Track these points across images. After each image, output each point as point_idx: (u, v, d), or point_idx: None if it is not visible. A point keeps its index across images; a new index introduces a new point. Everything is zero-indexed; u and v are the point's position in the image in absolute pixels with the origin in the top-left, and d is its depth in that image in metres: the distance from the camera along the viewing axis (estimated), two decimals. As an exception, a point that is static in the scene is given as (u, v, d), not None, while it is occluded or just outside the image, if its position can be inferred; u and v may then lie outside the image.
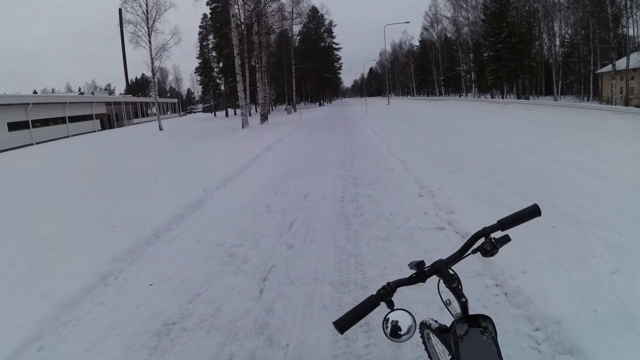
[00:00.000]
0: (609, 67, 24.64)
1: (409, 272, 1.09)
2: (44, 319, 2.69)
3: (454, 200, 4.63)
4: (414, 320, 0.95)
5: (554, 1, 33.07)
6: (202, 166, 8.54)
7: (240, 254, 3.67)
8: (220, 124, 25.69)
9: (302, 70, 41.54)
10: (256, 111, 35.64)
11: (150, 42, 24.51)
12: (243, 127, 18.74)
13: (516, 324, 2.31)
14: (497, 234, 1.11)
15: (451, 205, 4.44)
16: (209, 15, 41.37)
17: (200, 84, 51.85)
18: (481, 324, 0.99)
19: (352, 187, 5.98)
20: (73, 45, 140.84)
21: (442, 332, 1.18)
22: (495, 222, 1.11)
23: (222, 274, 3.28)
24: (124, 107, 42.61)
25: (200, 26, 44.09)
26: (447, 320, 1.15)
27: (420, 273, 1.06)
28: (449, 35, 47.43)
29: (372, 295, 1.01)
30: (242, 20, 24.73)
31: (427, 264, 1.08)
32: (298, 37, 45.70)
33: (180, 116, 58.79)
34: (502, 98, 35.24)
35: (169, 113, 56.76)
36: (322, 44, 53.55)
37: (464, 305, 1.02)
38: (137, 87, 74.68)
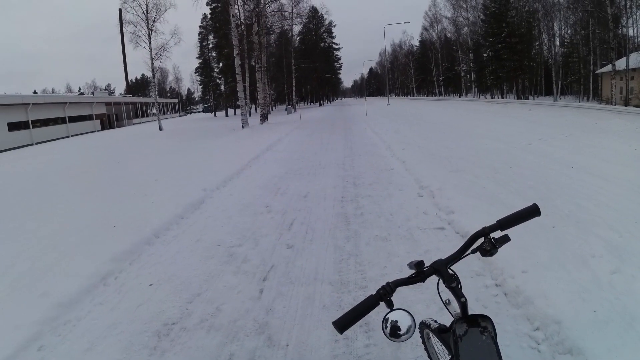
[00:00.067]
0: (608, 67, 24.63)
1: (409, 272, 1.09)
2: (44, 319, 2.69)
3: (454, 200, 4.63)
4: (414, 320, 0.95)
5: (553, 1, 33.09)
6: (202, 166, 8.55)
7: (240, 254, 3.67)
8: (220, 124, 25.69)
9: (302, 70, 41.54)
10: (256, 111, 35.64)
11: (150, 42, 24.51)
12: (243, 127, 18.74)
13: (516, 323, 2.31)
14: (497, 234, 1.11)
15: (451, 205, 4.44)
16: (209, 16, 41.39)
17: (200, 84, 51.87)
18: (481, 323, 0.99)
19: (352, 187, 5.98)
20: (73, 45, 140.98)
21: (441, 332, 1.18)
22: (494, 222, 1.11)
23: (222, 274, 3.28)
24: (124, 107, 42.61)
25: (200, 26, 44.12)
26: (446, 320, 1.15)
27: (419, 273, 1.06)
28: (448, 35, 47.47)
29: (372, 295, 1.01)
30: (242, 20, 24.72)
31: (427, 263, 1.08)
32: (298, 37, 45.71)
33: (180, 116, 58.80)
34: (502, 98, 35.24)
35: (169, 113, 56.77)
36: (322, 44, 53.56)
37: (463, 305, 1.02)
38: (137, 87, 74.70)
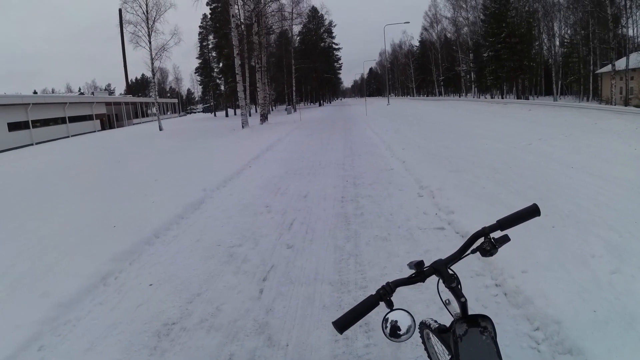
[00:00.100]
0: (608, 67, 24.64)
1: (409, 272, 1.09)
2: (44, 319, 2.69)
3: (454, 200, 4.63)
4: (414, 320, 0.95)
5: (553, 1, 33.09)
6: (202, 166, 8.55)
7: (240, 254, 3.67)
8: (220, 124, 25.69)
9: (302, 70, 41.53)
10: (256, 111, 35.65)
11: (150, 43, 24.51)
12: (243, 127, 18.74)
13: (516, 323, 2.31)
14: (497, 234, 1.11)
15: (451, 205, 4.44)
16: (209, 16, 41.39)
17: (200, 84, 51.89)
18: (480, 323, 0.99)
19: (352, 187, 5.98)
20: (73, 45, 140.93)
21: (441, 332, 1.18)
22: (494, 222, 1.11)
23: (222, 274, 3.28)
24: (124, 107, 42.62)
25: (200, 26, 44.12)
26: (446, 320, 1.16)
27: (419, 273, 1.06)
28: (448, 35, 47.48)
29: (372, 295, 1.01)
30: (242, 20, 24.73)
31: (427, 263, 1.08)
32: (298, 38, 45.71)
33: (180, 116, 58.81)
34: (502, 98, 35.24)
35: (169, 113, 56.78)
36: (322, 44, 53.56)
37: (463, 305, 1.02)
38: (137, 87, 74.70)
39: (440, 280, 1.06)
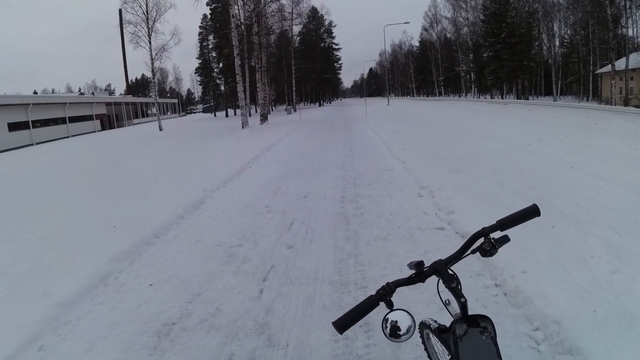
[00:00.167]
0: (608, 68, 24.64)
1: (409, 272, 1.09)
2: (44, 319, 2.69)
3: (454, 200, 4.63)
4: (414, 321, 0.95)
5: (553, 1, 33.11)
6: (202, 166, 8.55)
7: (240, 254, 3.67)
8: (220, 124, 25.69)
9: (302, 70, 41.53)
10: (256, 111, 35.65)
11: (150, 43, 24.51)
12: (243, 127, 18.74)
13: (516, 324, 2.31)
14: (497, 234, 1.11)
15: (451, 206, 4.45)
16: (209, 16, 41.38)
17: (200, 85, 51.89)
18: (480, 324, 0.99)
19: (351, 187, 5.98)
20: (73, 45, 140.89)
21: (441, 332, 1.18)
22: (494, 222, 1.11)
23: (222, 274, 3.28)
24: (124, 107, 42.61)
25: (200, 27, 44.11)
26: (446, 320, 1.16)
27: (419, 273, 1.06)
28: (448, 35, 47.50)
29: (372, 295, 1.01)
30: (242, 20, 24.73)
31: (427, 264, 1.08)
32: (298, 38, 45.72)
33: (180, 116, 58.80)
34: (502, 98, 35.26)
35: (169, 113, 56.77)
36: (322, 45, 53.56)
37: (463, 306, 1.02)
38: (137, 87, 74.69)
39: (440, 281, 1.06)
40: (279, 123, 21.13)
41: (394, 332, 0.94)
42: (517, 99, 33.22)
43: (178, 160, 9.83)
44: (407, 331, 0.94)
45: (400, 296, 1.99)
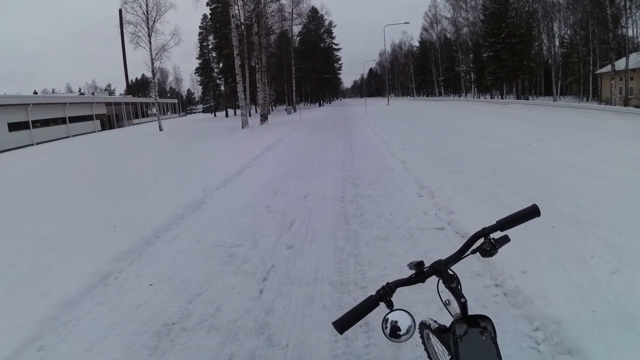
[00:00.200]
0: (608, 68, 24.65)
1: (409, 273, 1.09)
2: (44, 319, 2.69)
3: (454, 200, 4.63)
4: (414, 321, 0.95)
5: (553, 2, 33.12)
6: (202, 166, 8.55)
7: (240, 254, 3.67)
8: (220, 124, 25.70)
9: (302, 70, 41.54)
10: (256, 111, 35.65)
11: (150, 43, 24.52)
12: (243, 127, 18.75)
13: (515, 324, 2.31)
14: (497, 234, 1.11)
15: (451, 206, 4.45)
16: (209, 16, 41.38)
17: (200, 85, 51.89)
18: (480, 324, 0.99)
19: (351, 187, 5.98)
20: (73, 45, 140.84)
21: (441, 332, 1.18)
22: (494, 222, 1.11)
23: (222, 274, 3.28)
24: (124, 107, 42.61)
25: (200, 27, 44.11)
26: (446, 320, 1.16)
27: (419, 273, 1.06)
28: (448, 35, 47.51)
29: (372, 295, 1.01)
30: (242, 20, 24.74)
31: (427, 264, 1.08)
32: (298, 38, 45.72)
33: (180, 116, 58.81)
34: (502, 98, 35.28)
35: (169, 113, 56.77)
36: (322, 45, 53.56)
37: (463, 306, 1.02)
38: (138, 87, 74.67)
39: (440, 281, 1.06)
40: (279, 123, 21.13)
41: (394, 332, 0.94)
42: (517, 99, 33.24)
43: (178, 160, 9.83)
44: (407, 331, 0.94)
45: (400, 296, 1.99)
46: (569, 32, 35.08)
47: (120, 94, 61.34)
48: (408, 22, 77.95)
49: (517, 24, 33.33)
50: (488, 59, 35.54)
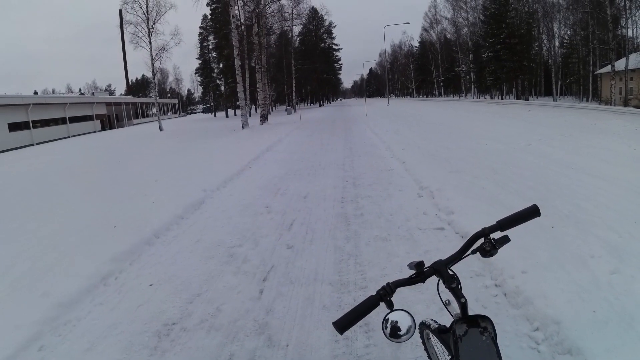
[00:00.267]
0: (608, 68, 24.67)
1: (409, 273, 1.09)
2: (44, 319, 2.69)
3: (454, 200, 4.63)
4: (414, 321, 0.95)
5: (553, 2, 33.14)
6: (202, 167, 8.55)
7: (240, 254, 3.67)
8: (220, 124, 25.70)
9: (302, 71, 41.56)
10: (256, 112, 35.65)
11: (150, 43, 24.51)
12: (243, 127, 18.75)
13: (515, 324, 2.31)
14: (497, 235, 1.11)
15: (451, 206, 4.45)
16: (209, 16, 41.39)
17: (200, 85, 51.88)
18: (480, 324, 1.00)
19: (351, 187, 5.99)
20: (73, 45, 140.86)
21: (441, 332, 1.18)
22: (494, 222, 1.12)
23: (222, 274, 3.28)
24: (124, 107, 42.61)
25: (200, 27, 44.11)
26: (446, 320, 1.16)
27: (419, 273, 1.06)
28: (448, 36, 47.53)
29: (372, 295, 1.01)
30: (242, 21, 24.76)
31: (427, 264, 1.08)
32: (298, 38, 45.75)
33: (180, 117, 58.82)
34: (502, 99, 35.29)
35: (169, 114, 56.78)
36: (322, 45, 53.57)
37: (463, 306, 1.02)
38: (138, 87, 74.66)
39: (441, 281, 1.06)
40: (279, 123, 21.14)
41: (394, 333, 0.94)
42: (517, 99, 33.27)
43: (178, 161, 9.83)
44: (407, 331, 0.94)
45: (400, 296, 1.99)
46: (568, 32, 35.11)
47: (121, 94, 61.35)
48: (408, 23, 77.75)
49: (517, 24, 33.36)
50: (488, 60, 35.56)
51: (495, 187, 5.11)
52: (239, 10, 23.22)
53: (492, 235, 1.11)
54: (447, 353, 1.09)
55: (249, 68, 27.56)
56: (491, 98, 38.11)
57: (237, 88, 20.59)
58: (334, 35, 55.64)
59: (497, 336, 1.00)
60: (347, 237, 3.94)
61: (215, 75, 43.97)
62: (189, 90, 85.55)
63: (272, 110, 41.05)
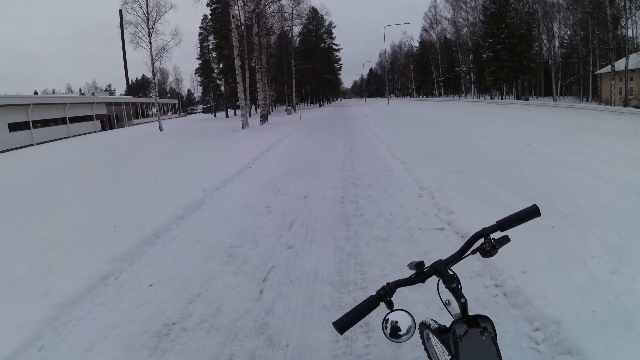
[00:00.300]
0: (608, 68, 24.68)
1: (409, 273, 1.09)
2: (44, 319, 2.69)
3: (454, 200, 4.63)
4: (414, 321, 0.95)
5: (553, 2, 33.15)
6: (203, 167, 8.55)
7: (240, 255, 3.67)
8: (221, 124, 25.70)
9: (302, 71, 41.56)
10: (256, 112, 35.65)
11: (150, 43, 24.52)
12: (243, 127, 18.75)
13: (515, 324, 2.31)
14: (497, 235, 1.11)
15: (451, 206, 4.45)
16: (209, 17, 41.39)
17: (200, 85, 51.86)
18: (480, 324, 1.00)
19: (351, 187, 5.99)
20: (73, 45, 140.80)
21: (441, 332, 1.18)
22: (494, 222, 1.12)
23: (222, 275, 3.28)
24: (124, 107, 42.61)
25: (200, 27, 44.10)
26: (446, 320, 1.16)
27: (419, 273, 1.06)
28: (448, 36, 47.55)
29: (372, 295, 1.01)
30: (242, 21, 24.77)
31: (427, 264, 1.08)
32: (298, 38, 45.75)
33: (180, 117, 58.82)
34: (502, 99, 35.31)
35: (169, 114, 56.78)
36: (322, 45, 53.58)
37: (463, 306, 1.02)
38: (138, 87, 74.62)
39: (441, 281, 1.06)
40: (279, 123, 21.14)
41: (394, 333, 0.94)
42: (517, 99, 33.28)
43: (178, 161, 9.83)
44: (408, 331, 0.94)
45: (400, 296, 2.00)
46: (568, 32, 35.12)
47: (121, 94, 61.33)
48: (408, 23, 77.73)
49: (517, 24, 33.36)
50: (488, 60, 35.57)
51: (495, 187, 5.11)
52: (239, 10, 23.24)
53: (492, 235, 1.11)
54: (447, 353, 1.09)
55: (249, 68, 27.56)
56: (491, 98, 38.12)
57: (237, 88, 20.59)
58: (334, 35, 55.69)
59: (497, 336, 1.00)
60: (347, 237, 3.94)
61: (215, 75, 43.96)
62: (189, 91, 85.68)
63: (272, 111, 41.05)
